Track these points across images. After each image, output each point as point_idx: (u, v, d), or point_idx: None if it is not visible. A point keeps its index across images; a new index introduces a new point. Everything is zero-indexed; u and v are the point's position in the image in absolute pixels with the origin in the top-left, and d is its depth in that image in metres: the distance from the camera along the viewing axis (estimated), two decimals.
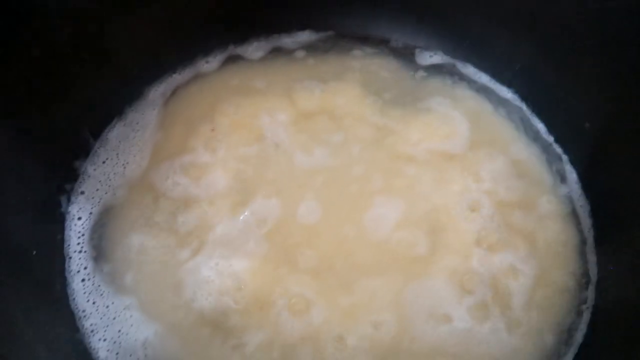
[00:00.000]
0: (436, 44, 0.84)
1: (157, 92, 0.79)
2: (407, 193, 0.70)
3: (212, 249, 0.65)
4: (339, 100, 0.78)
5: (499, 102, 0.79)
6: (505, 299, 0.63)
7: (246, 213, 0.68)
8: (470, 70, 0.82)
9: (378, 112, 0.77)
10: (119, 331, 0.62)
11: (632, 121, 0.66)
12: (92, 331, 0.62)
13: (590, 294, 0.65)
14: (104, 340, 0.61)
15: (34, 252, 0.62)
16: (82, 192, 0.70)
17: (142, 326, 0.62)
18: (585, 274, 0.66)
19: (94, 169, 0.71)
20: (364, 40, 0.85)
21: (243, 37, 0.84)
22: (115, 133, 0.75)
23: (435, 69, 0.82)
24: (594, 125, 0.71)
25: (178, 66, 0.81)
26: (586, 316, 0.64)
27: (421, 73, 0.81)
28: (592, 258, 0.67)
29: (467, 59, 0.83)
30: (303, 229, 0.67)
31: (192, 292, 0.63)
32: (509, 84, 0.80)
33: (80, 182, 0.70)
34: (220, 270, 0.64)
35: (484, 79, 0.81)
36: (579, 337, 0.63)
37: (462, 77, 0.81)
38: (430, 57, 0.83)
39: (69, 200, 0.69)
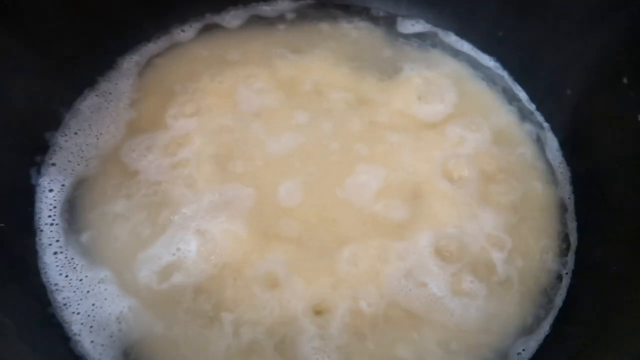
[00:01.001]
0: (418, 12, 0.83)
1: (131, 62, 0.77)
2: (389, 160, 0.69)
3: (186, 223, 0.64)
4: (319, 69, 0.76)
5: (481, 70, 0.79)
6: (485, 264, 0.63)
7: (223, 186, 0.66)
8: (452, 38, 0.81)
9: (359, 81, 0.76)
10: (93, 305, 0.60)
11: (613, 88, 0.65)
12: (64, 304, 0.60)
13: (570, 259, 0.65)
14: (77, 313, 0.60)
15: (2, 225, 0.60)
16: (53, 164, 0.68)
17: (116, 300, 0.60)
18: (566, 239, 0.67)
19: (65, 140, 0.69)
20: (345, 8, 0.83)
21: (220, 6, 0.82)
22: (88, 104, 0.72)
23: (417, 38, 0.81)
24: (576, 93, 0.71)
25: (153, 35, 0.79)
26: (565, 281, 0.64)
27: (403, 42, 0.80)
28: (572, 224, 0.68)
29: (449, 27, 0.82)
30: (285, 198, 0.66)
31: (166, 266, 0.61)
32: (491, 52, 0.80)
33: (51, 154, 0.68)
34: (195, 244, 0.62)
35: (466, 47, 0.81)
36: (558, 301, 0.63)
37: (444, 46, 0.81)
38: (412, 26, 0.82)
39: (39, 172, 0.67)
